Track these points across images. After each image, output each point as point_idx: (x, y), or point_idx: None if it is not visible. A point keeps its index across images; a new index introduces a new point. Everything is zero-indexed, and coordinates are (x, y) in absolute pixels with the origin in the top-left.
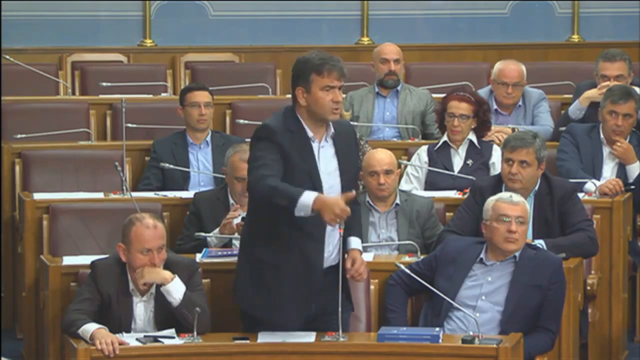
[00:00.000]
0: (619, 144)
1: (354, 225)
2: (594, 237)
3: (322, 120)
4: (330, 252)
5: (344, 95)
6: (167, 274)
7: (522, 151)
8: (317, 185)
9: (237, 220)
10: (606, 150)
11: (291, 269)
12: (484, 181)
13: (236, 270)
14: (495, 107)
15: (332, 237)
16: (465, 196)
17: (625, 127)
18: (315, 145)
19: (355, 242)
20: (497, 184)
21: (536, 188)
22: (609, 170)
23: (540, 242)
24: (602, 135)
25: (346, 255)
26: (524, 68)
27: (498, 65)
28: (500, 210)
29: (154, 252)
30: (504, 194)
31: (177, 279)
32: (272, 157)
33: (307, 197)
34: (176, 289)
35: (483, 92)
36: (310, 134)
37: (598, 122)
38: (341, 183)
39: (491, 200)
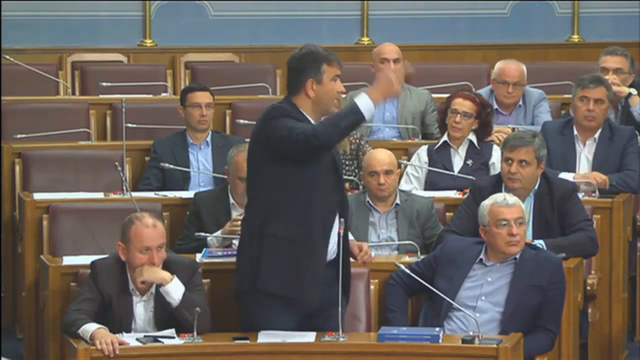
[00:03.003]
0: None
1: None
2: (594, 237)
3: (323, 112)
4: (332, 247)
5: (343, 95)
6: (166, 274)
7: (522, 150)
8: (337, 164)
9: None
10: (580, 146)
11: (312, 243)
12: (484, 181)
13: (252, 258)
14: (495, 106)
15: (335, 230)
16: (465, 196)
17: (598, 112)
18: None
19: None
20: (497, 184)
21: (536, 187)
22: (583, 170)
23: (540, 242)
24: (575, 132)
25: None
26: (524, 68)
27: (499, 65)
28: (497, 214)
29: (153, 251)
30: (498, 197)
31: (176, 280)
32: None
33: (360, 98)
34: (175, 290)
35: (483, 91)
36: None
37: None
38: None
39: (486, 205)
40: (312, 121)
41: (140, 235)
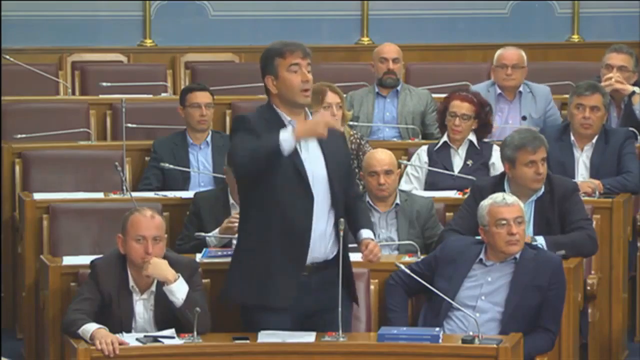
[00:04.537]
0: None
1: (361, 218)
2: (594, 236)
3: (296, 105)
4: (326, 245)
5: (344, 95)
6: (171, 273)
7: (542, 149)
8: (299, 167)
9: None
10: (578, 152)
11: (278, 253)
12: (484, 181)
13: (228, 269)
14: (499, 91)
15: (328, 230)
16: (466, 196)
17: (594, 120)
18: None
19: (366, 233)
20: (497, 184)
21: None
22: (581, 176)
23: (540, 239)
24: (572, 138)
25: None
26: (523, 53)
27: (498, 52)
28: (497, 214)
29: (148, 241)
30: (497, 197)
31: (181, 280)
32: (250, 138)
33: (286, 131)
34: (179, 289)
35: (482, 86)
36: (287, 118)
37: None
38: (327, 173)
39: (485, 205)
40: (288, 119)
41: (136, 224)
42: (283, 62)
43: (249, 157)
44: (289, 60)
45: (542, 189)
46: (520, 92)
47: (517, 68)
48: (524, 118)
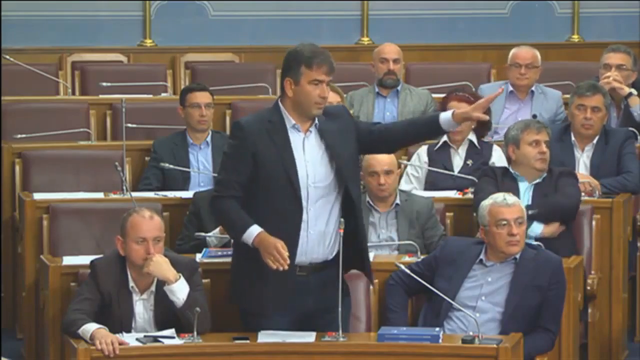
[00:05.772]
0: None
1: (417, 117)
2: (576, 202)
3: (306, 115)
4: (326, 246)
5: (345, 95)
6: (172, 273)
7: (545, 133)
8: (291, 174)
9: None
10: (578, 152)
11: (255, 252)
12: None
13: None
14: (510, 89)
15: (328, 230)
16: (465, 196)
17: (595, 120)
18: (298, 136)
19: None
20: (505, 170)
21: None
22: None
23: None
24: (573, 138)
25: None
26: (537, 52)
27: (512, 50)
28: (498, 214)
29: (149, 242)
30: (498, 197)
31: (182, 280)
32: (237, 164)
33: (249, 234)
34: (181, 289)
35: (490, 86)
36: (292, 122)
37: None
38: (333, 172)
39: (485, 205)
40: (292, 121)
41: (136, 225)
42: (308, 73)
43: (218, 215)
44: (314, 74)
45: (545, 175)
46: (532, 91)
47: (531, 67)
48: (534, 116)
